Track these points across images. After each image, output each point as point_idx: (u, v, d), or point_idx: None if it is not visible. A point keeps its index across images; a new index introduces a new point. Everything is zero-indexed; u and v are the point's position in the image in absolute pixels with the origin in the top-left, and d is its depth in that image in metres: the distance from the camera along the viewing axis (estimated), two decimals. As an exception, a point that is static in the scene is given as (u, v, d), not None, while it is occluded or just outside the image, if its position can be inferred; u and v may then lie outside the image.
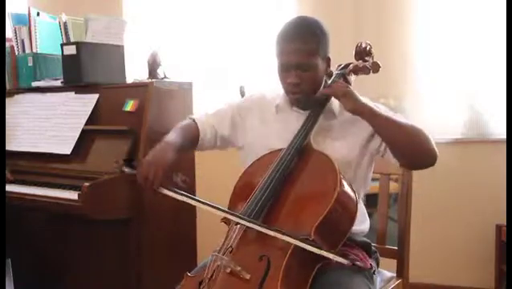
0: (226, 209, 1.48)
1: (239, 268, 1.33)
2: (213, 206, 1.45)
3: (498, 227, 2.75)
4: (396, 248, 1.88)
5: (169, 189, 1.49)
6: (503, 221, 2.65)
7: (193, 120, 1.75)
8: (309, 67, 1.55)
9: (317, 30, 1.57)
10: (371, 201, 1.71)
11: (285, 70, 1.57)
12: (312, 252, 1.31)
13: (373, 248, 1.67)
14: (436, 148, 1.54)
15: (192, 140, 1.71)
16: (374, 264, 1.61)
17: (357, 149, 1.60)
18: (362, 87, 2.65)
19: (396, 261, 1.87)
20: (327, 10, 3.03)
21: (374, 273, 1.58)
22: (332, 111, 1.63)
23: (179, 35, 3.40)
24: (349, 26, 2.96)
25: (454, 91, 2.85)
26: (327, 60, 1.62)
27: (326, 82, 1.65)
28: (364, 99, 1.55)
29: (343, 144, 1.60)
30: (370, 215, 1.71)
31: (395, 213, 1.96)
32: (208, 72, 3.32)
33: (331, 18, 2.99)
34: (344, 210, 1.41)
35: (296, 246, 1.31)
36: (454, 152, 2.86)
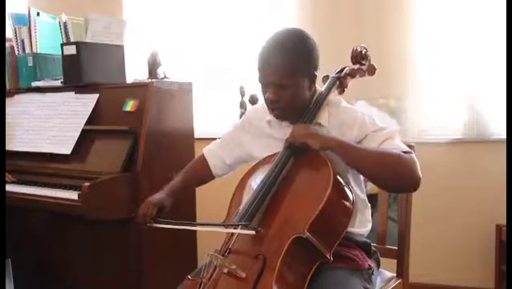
0: (212, 223, 1.55)
1: (234, 267, 1.35)
2: (203, 224, 1.58)
3: (498, 227, 2.75)
4: (396, 248, 1.87)
5: (163, 222, 1.61)
6: (503, 221, 2.65)
7: (204, 157, 1.88)
8: (287, 86, 1.52)
9: (297, 48, 1.52)
10: (371, 201, 1.71)
11: (263, 86, 1.58)
12: (310, 250, 1.34)
13: (373, 248, 1.67)
14: (418, 174, 1.46)
15: (202, 174, 1.87)
16: (373, 264, 1.61)
17: None
18: (363, 88, 2.65)
19: (396, 261, 1.87)
20: (327, 11, 3.03)
21: (373, 273, 1.58)
22: (320, 123, 1.61)
23: (179, 35, 3.40)
24: (350, 27, 2.96)
25: (454, 91, 2.85)
26: (311, 76, 1.57)
27: (316, 89, 1.65)
28: (361, 102, 1.55)
29: None
30: (370, 215, 1.71)
31: (395, 213, 1.96)
32: (208, 72, 3.32)
33: (331, 19, 3.02)
34: (339, 208, 1.42)
35: (291, 244, 1.32)
36: (454, 152, 2.86)
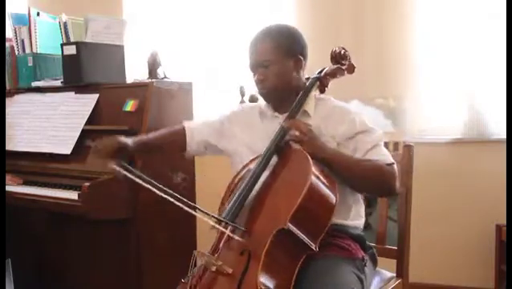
0: (192, 204, 1.54)
1: (220, 263, 1.38)
2: (176, 198, 1.50)
3: (498, 227, 2.74)
4: (396, 248, 1.88)
5: (134, 174, 1.60)
6: (503, 221, 2.64)
7: (183, 127, 1.87)
8: (269, 62, 1.63)
9: (280, 31, 1.66)
10: (371, 200, 1.72)
11: (252, 71, 1.70)
12: (295, 242, 1.36)
13: (368, 244, 1.68)
14: (395, 187, 1.56)
15: (175, 142, 1.87)
16: (367, 257, 1.63)
17: (334, 144, 1.61)
18: (362, 88, 2.65)
19: (396, 261, 1.87)
20: (326, 12, 3.03)
21: (365, 265, 1.60)
22: (307, 112, 1.65)
23: (179, 35, 3.40)
24: (349, 27, 2.96)
25: (454, 91, 2.85)
26: (297, 60, 1.65)
27: (304, 85, 1.69)
28: (355, 102, 1.57)
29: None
30: (370, 215, 1.72)
31: (395, 213, 1.96)
32: (208, 72, 3.32)
33: (331, 20, 3.02)
34: (320, 200, 1.44)
35: (274, 236, 1.34)
36: (454, 152, 2.86)
